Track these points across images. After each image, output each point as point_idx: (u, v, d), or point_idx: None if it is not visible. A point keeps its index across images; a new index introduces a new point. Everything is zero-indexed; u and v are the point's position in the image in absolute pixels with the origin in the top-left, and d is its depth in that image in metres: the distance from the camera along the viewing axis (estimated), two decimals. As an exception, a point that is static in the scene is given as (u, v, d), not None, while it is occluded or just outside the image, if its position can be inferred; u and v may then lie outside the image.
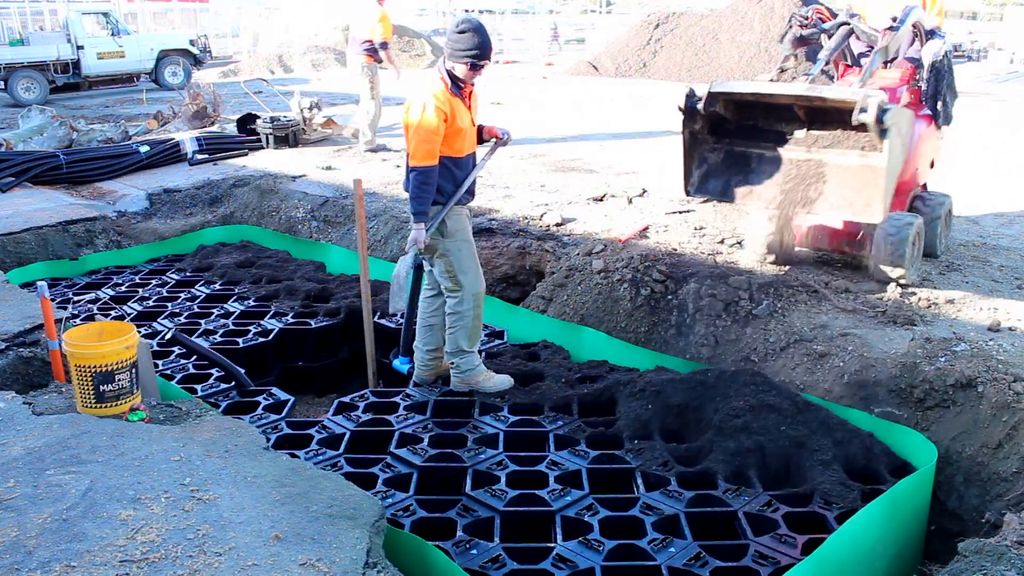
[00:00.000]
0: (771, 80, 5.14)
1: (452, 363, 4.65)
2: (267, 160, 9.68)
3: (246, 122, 10.93)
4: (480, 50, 4.18)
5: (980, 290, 5.04)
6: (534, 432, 4.27)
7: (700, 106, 4.76)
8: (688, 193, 5.05)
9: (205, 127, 11.84)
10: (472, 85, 4.38)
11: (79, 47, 18.54)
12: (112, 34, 19.23)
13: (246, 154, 10.11)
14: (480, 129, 4.62)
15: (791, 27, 5.26)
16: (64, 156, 9.10)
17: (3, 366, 4.26)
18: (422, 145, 4.19)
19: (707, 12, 21.77)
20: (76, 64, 18.64)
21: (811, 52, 5.38)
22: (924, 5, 5.38)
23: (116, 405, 3.56)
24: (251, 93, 14.03)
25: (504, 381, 4.68)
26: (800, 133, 4.78)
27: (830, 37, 5.14)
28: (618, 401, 4.45)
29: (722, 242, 5.96)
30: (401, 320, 5.55)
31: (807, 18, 5.21)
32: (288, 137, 10.46)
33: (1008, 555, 2.73)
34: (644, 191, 7.49)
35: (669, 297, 5.28)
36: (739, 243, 5.91)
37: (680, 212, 6.78)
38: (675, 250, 5.80)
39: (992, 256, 5.64)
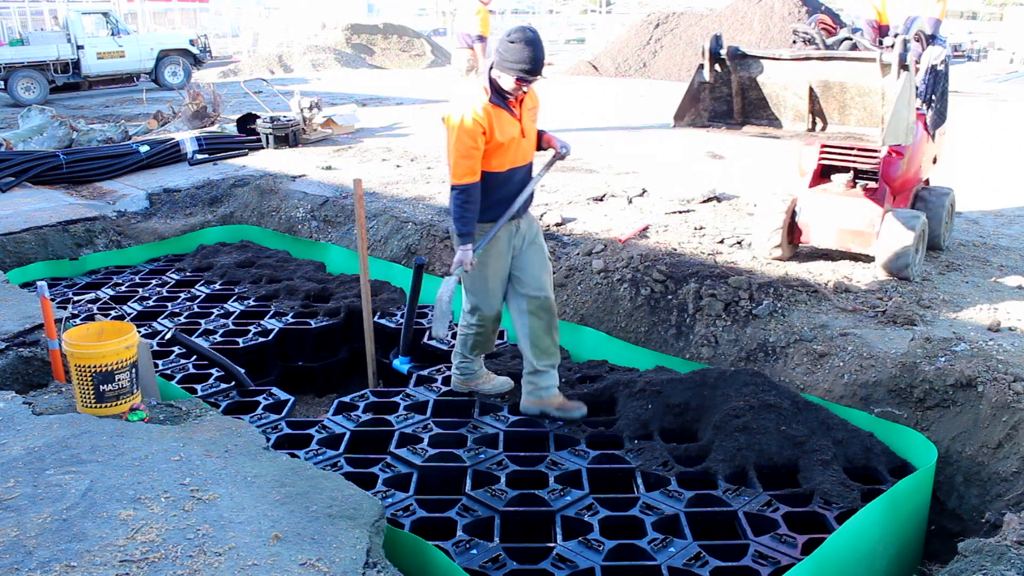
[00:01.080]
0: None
1: (454, 363, 4.64)
2: (267, 160, 9.68)
3: (246, 122, 10.93)
4: (532, 64, 3.82)
5: (980, 290, 5.04)
6: (534, 432, 4.28)
7: (723, 52, 4.91)
8: (674, 124, 5.09)
9: (205, 127, 11.84)
10: (524, 92, 4.00)
11: (79, 47, 18.54)
12: (112, 34, 19.22)
13: (246, 154, 10.11)
14: (539, 136, 4.25)
15: (793, 43, 5.33)
16: (64, 156, 9.10)
17: (3, 366, 4.26)
18: (462, 162, 3.92)
19: (707, 12, 21.78)
20: (76, 64, 18.64)
21: None
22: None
23: (116, 405, 3.56)
24: (251, 93, 14.04)
25: (503, 383, 4.64)
26: (801, 126, 4.89)
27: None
28: (618, 401, 4.45)
29: (722, 242, 5.96)
30: (402, 320, 5.55)
31: (808, 34, 5.26)
32: (288, 137, 10.46)
33: (1008, 555, 2.73)
34: (644, 191, 7.49)
35: (669, 297, 5.28)
36: (739, 243, 5.91)
37: (680, 212, 6.78)
38: (675, 250, 5.80)
39: (992, 256, 5.64)
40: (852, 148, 5.07)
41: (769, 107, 4.96)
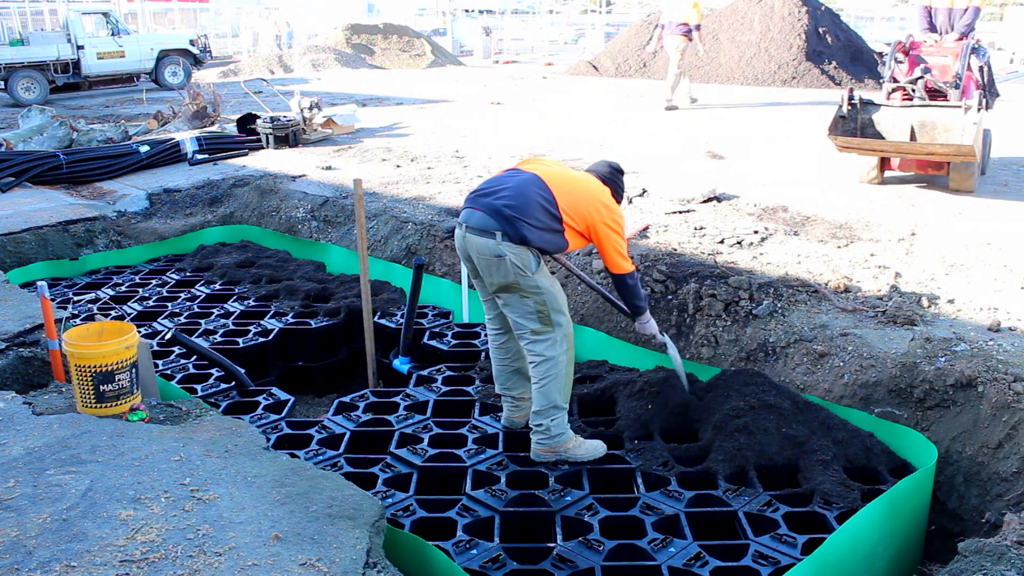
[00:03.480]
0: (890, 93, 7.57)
1: (539, 424, 3.90)
2: (267, 160, 9.68)
3: (246, 122, 10.93)
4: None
5: (980, 290, 5.04)
6: (534, 432, 4.27)
7: (846, 110, 7.31)
8: (828, 135, 7.12)
9: (205, 127, 11.85)
10: None
11: (79, 47, 18.54)
12: (112, 34, 19.22)
13: (246, 154, 10.11)
14: None
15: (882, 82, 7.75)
16: (64, 156, 9.09)
17: (3, 366, 4.26)
18: (623, 252, 3.89)
19: (707, 12, 21.77)
20: (76, 64, 18.64)
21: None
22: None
23: (116, 405, 3.56)
24: (251, 93, 14.04)
25: (598, 447, 3.98)
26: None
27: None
28: (618, 401, 4.45)
29: (722, 242, 5.97)
30: (402, 320, 5.55)
31: (897, 84, 7.45)
32: (288, 137, 10.46)
33: (1008, 555, 2.73)
34: (644, 191, 7.49)
35: (669, 297, 5.28)
36: (739, 243, 5.92)
37: (680, 212, 6.78)
38: (675, 250, 5.80)
39: (993, 256, 5.64)
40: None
41: (881, 135, 7.28)
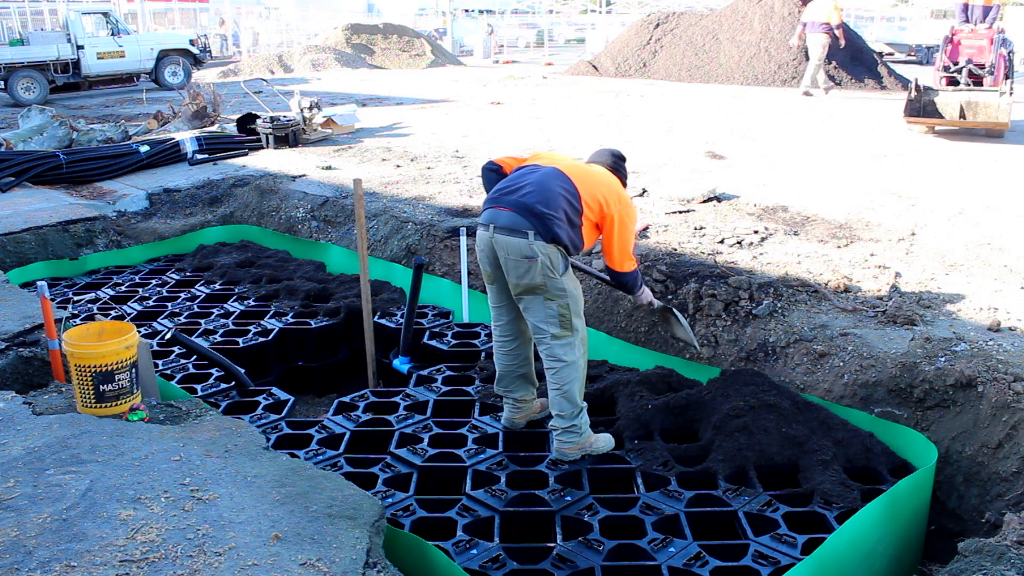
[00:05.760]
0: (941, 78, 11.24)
1: (571, 425, 3.90)
2: (267, 160, 9.68)
3: (246, 122, 10.92)
4: None
5: (981, 290, 5.04)
6: (534, 432, 4.28)
7: (913, 95, 10.37)
8: (904, 117, 10.36)
9: (205, 127, 11.84)
10: None
11: (79, 47, 18.54)
12: (112, 34, 19.22)
13: (246, 154, 10.11)
14: None
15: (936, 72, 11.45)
16: (64, 156, 9.09)
17: (3, 366, 4.26)
18: (629, 249, 3.95)
19: (707, 12, 21.79)
20: (76, 64, 18.64)
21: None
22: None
23: (116, 405, 3.56)
24: (251, 93, 14.05)
25: (610, 439, 4.07)
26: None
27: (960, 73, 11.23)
28: (618, 401, 4.45)
29: (722, 242, 5.96)
30: (402, 320, 5.55)
31: (947, 72, 11.15)
32: (288, 137, 10.46)
33: (1008, 555, 2.73)
34: (644, 191, 7.49)
35: (669, 297, 5.28)
36: (739, 243, 5.92)
37: (680, 212, 6.78)
38: (675, 250, 5.80)
39: (994, 256, 5.64)
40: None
41: (938, 110, 10.30)
